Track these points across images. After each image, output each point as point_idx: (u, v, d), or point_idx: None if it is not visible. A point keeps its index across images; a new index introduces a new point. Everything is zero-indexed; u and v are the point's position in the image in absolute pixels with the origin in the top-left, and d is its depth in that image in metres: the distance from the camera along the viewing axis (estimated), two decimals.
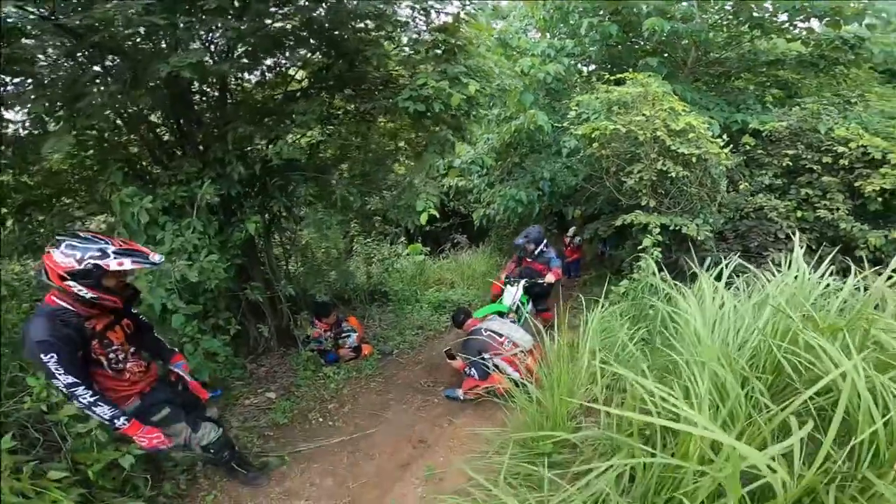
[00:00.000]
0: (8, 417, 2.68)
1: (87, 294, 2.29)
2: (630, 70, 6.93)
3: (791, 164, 5.80)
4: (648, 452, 1.90)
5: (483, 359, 4.10)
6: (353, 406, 4.43)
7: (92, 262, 2.24)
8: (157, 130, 4.57)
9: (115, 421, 2.39)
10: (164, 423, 2.66)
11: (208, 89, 4.67)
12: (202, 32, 3.77)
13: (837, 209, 5.30)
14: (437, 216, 4.65)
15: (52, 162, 4.23)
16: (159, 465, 3.18)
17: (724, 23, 7.15)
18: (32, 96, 3.23)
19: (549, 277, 5.32)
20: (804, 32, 6.92)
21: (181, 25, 3.33)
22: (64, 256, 2.23)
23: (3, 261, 4.25)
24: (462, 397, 4.28)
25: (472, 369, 4.14)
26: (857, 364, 1.55)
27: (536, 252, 5.44)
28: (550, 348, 3.46)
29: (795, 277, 2.90)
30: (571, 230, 8.33)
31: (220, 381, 4.35)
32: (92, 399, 2.32)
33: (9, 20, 2.96)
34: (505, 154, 7.99)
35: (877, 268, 2.82)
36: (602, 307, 3.88)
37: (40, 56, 3.30)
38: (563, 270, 8.40)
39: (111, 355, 2.50)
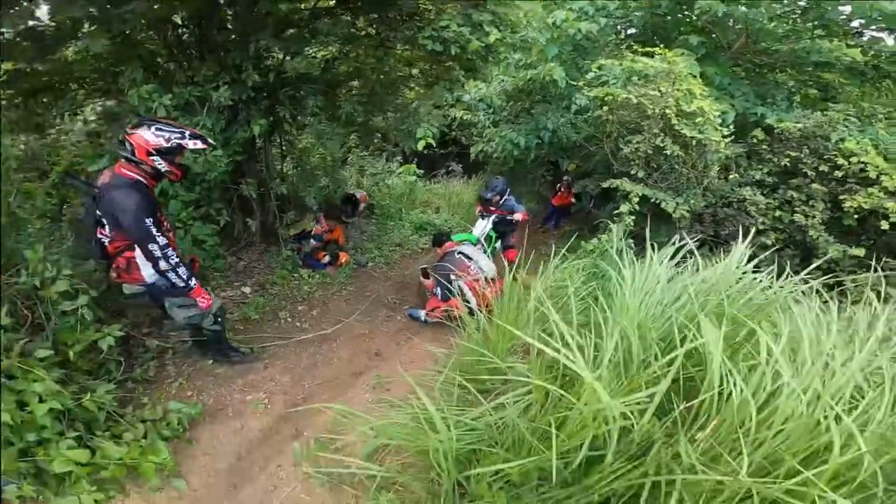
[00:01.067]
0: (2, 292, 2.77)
1: (165, 168, 2.79)
2: (670, 42, 6.87)
3: (789, 165, 5.93)
4: (553, 390, 2.26)
5: (450, 280, 4.40)
6: (322, 311, 4.70)
7: (177, 141, 2.75)
8: (179, 31, 4.56)
9: (190, 282, 2.93)
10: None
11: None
12: None
13: (814, 216, 5.53)
14: (434, 144, 4.80)
15: (67, 53, 4.24)
16: (131, 350, 3.43)
17: (792, 17, 6.88)
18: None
19: (517, 216, 5.65)
20: (866, 41, 6.78)
21: None
22: (154, 136, 2.71)
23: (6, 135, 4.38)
24: (423, 318, 4.58)
25: (437, 288, 4.45)
26: (716, 343, 1.92)
27: (501, 202, 5.69)
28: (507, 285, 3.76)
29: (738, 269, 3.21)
30: (567, 177, 8.49)
31: (200, 270, 4.50)
32: (177, 260, 2.83)
33: None
34: (516, 98, 7.95)
35: (825, 277, 3.21)
36: (566, 259, 4.11)
37: None
38: (549, 216, 8.68)
39: (165, 223, 2.92)
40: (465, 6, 4.34)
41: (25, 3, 3.24)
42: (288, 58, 4.42)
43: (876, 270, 3.94)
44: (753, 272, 3.23)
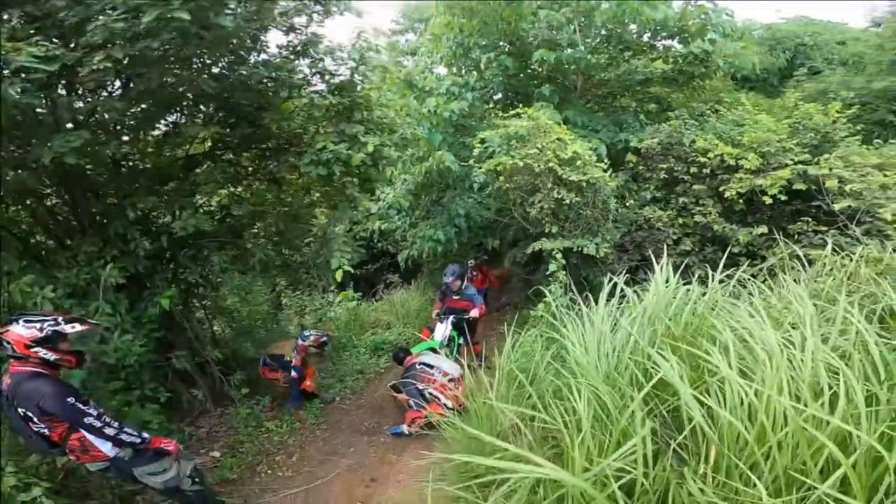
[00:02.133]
0: None
1: (51, 356, 2.74)
2: (530, 97, 7.55)
3: (667, 176, 6.49)
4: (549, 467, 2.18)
5: (419, 390, 4.42)
6: (301, 455, 4.52)
7: (51, 328, 2.74)
8: (48, 202, 4.41)
9: (143, 435, 2.92)
10: (158, 454, 3.06)
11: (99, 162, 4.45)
12: (85, 105, 3.77)
13: (710, 213, 6.01)
14: (352, 270, 4.82)
15: None
16: None
17: (602, 47, 7.91)
18: None
19: (474, 312, 5.68)
20: (663, 51, 7.81)
21: (59, 106, 3.37)
22: (26, 329, 2.70)
23: None
24: (406, 431, 4.52)
25: (412, 401, 4.43)
26: (680, 373, 1.92)
27: (462, 287, 5.76)
28: (471, 379, 3.73)
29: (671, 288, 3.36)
30: (469, 262, 8.62)
31: None
32: (118, 425, 2.82)
33: None
34: (422, 193, 8.27)
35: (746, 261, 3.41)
36: (522, 332, 4.19)
37: None
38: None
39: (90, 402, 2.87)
40: (336, 121, 4.54)
41: None
42: (176, 214, 4.33)
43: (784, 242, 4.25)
44: (685, 283, 3.37)
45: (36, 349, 2.71)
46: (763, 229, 5.61)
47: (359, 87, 4.85)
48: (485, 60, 7.57)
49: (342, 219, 5.07)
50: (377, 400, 5.71)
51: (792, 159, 5.83)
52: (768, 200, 5.61)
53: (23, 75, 2.89)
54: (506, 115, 6.26)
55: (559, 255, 5.43)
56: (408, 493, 3.48)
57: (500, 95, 8.89)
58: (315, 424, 5.13)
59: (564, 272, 5.28)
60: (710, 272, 3.31)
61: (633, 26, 7.36)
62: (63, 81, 3.46)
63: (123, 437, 2.83)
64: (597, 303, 3.50)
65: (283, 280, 8.17)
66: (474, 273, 8.54)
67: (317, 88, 4.83)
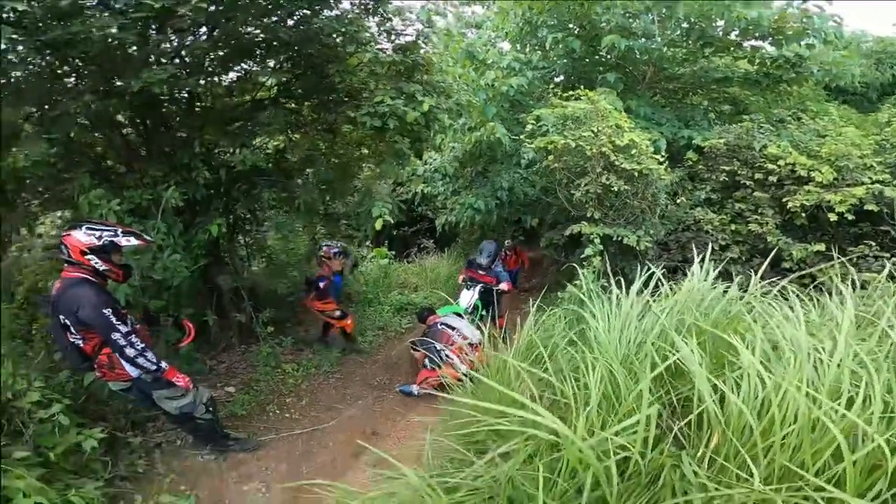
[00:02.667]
0: None
1: (102, 266, 2.86)
2: (593, 83, 7.25)
3: (728, 179, 6.22)
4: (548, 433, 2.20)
5: (437, 349, 4.48)
6: (311, 400, 4.67)
7: (109, 238, 2.85)
8: (124, 131, 4.66)
9: (160, 364, 2.98)
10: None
11: (178, 95, 4.76)
12: (173, 45, 3.94)
13: (767, 223, 5.74)
14: (392, 222, 4.89)
15: (16, 159, 4.33)
16: (117, 451, 3.38)
17: (681, 40, 7.50)
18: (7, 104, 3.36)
19: (503, 286, 5.72)
20: (750, 51, 7.29)
21: (150, 43, 3.55)
22: (86, 235, 2.82)
23: None
24: (416, 392, 4.56)
25: (427, 360, 4.51)
26: (692, 357, 1.90)
27: (490, 265, 5.77)
28: (489, 348, 3.76)
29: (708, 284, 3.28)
30: (507, 242, 8.61)
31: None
32: (142, 346, 2.90)
33: None
34: (468, 163, 8.25)
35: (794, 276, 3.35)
36: (547, 312, 4.18)
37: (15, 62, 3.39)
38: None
39: (129, 318, 3.01)
40: (396, 79, 4.61)
41: None
42: (237, 152, 4.52)
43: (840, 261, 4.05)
44: (724, 283, 3.29)
45: (90, 256, 2.83)
46: (820, 247, 5.37)
47: (422, 50, 4.91)
48: (551, 41, 7.35)
49: (388, 175, 5.13)
50: (393, 358, 5.85)
51: (870, 178, 5.50)
52: (833, 218, 5.32)
53: (122, 14, 3.12)
54: (565, 95, 6.08)
55: (597, 241, 5.34)
56: (405, 449, 3.58)
57: (561, 78, 8.63)
58: (329, 372, 5.31)
59: (600, 259, 5.18)
60: (753, 277, 3.19)
61: (720, 22, 6.90)
62: (156, 22, 3.62)
63: (140, 360, 2.90)
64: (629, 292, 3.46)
65: (322, 228, 8.35)
66: (508, 253, 8.54)
67: (381, 47, 4.89)
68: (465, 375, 3.86)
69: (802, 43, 6.63)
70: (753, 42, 7.22)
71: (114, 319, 2.79)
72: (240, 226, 5.72)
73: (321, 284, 5.41)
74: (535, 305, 3.94)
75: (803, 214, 5.67)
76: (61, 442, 2.85)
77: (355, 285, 8.08)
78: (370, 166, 6.39)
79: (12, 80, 3.41)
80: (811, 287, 4.02)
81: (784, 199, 5.76)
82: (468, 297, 5.69)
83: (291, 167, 5.62)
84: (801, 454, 1.74)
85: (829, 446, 1.73)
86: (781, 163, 5.84)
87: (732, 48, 7.37)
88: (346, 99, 4.93)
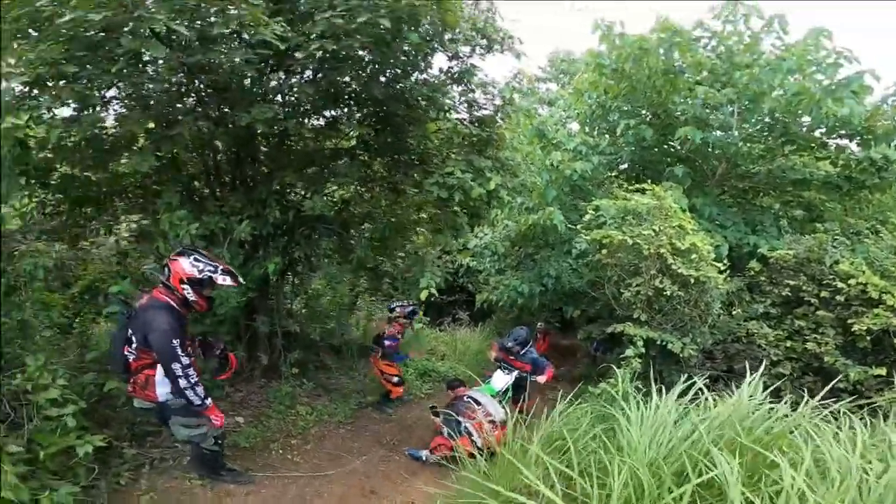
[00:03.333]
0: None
1: (192, 297, 3.01)
2: (659, 175, 7.19)
3: (790, 294, 5.92)
4: None
5: (458, 421, 4.34)
6: (316, 446, 4.55)
7: (209, 274, 2.99)
8: (218, 157, 5.03)
9: (206, 401, 3.05)
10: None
11: (272, 132, 5.14)
12: (280, 84, 4.40)
13: (827, 343, 5.40)
14: (436, 294, 4.93)
15: (119, 166, 4.64)
16: (108, 460, 3.37)
17: (760, 135, 7.30)
18: (132, 112, 3.76)
19: (542, 378, 5.50)
20: (834, 151, 7.00)
21: (264, 79, 3.96)
22: (191, 266, 2.98)
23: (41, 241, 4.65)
24: (425, 458, 4.44)
25: (445, 428, 4.37)
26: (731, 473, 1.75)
27: (522, 353, 5.64)
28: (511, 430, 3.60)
29: (752, 400, 3.08)
30: (539, 325, 8.43)
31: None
32: (196, 380, 2.98)
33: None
34: (519, 244, 8.29)
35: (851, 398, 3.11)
36: (572, 404, 4.07)
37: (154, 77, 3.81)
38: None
39: (190, 347, 3.13)
40: (469, 150, 4.83)
41: (97, 110, 3.64)
42: (308, 196, 4.77)
43: None
44: (770, 402, 3.09)
45: (185, 286, 2.97)
46: (881, 371, 5.02)
47: (498, 125, 5.13)
48: (622, 126, 7.39)
49: (440, 244, 5.23)
50: (408, 420, 5.69)
51: None
52: None
53: (252, 48, 3.50)
54: (630, 187, 6.05)
55: (640, 343, 5.13)
56: None
57: (626, 165, 8.59)
58: (342, 423, 5.20)
59: (639, 361, 4.96)
60: (806, 397, 2.98)
61: (806, 118, 6.70)
62: (275, 60, 4.04)
63: (189, 393, 2.96)
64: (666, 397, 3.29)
65: (366, 283, 8.48)
66: (539, 336, 8.34)
67: (459, 116, 5.18)
68: (480, 451, 3.70)
69: (893, 144, 6.34)
70: (839, 141, 6.96)
71: (179, 351, 2.89)
72: (292, 267, 5.92)
73: (387, 343, 5.61)
74: (565, 396, 3.81)
75: (868, 338, 5.32)
76: (56, 443, 2.84)
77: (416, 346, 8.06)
78: (423, 232, 6.56)
79: (144, 93, 3.81)
80: (864, 410, 3.71)
81: (850, 321, 5.43)
82: (503, 381, 5.48)
83: (352, 219, 5.81)
84: None
85: None
86: (853, 282, 5.53)
87: (815, 146, 7.11)
88: (417, 162, 5.18)
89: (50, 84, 3.15)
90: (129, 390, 3.15)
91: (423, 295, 4.76)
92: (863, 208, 7.84)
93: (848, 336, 5.50)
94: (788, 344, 5.62)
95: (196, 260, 2.99)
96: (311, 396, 5.57)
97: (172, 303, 2.99)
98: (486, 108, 5.14)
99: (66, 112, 3.48)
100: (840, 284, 5.62)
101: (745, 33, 7.01)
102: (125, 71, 3.35)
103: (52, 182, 4.18)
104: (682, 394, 3.46)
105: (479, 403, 4.60)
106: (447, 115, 4.88)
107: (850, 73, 6.33)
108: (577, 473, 2.56)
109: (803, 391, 3.42)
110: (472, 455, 3.70)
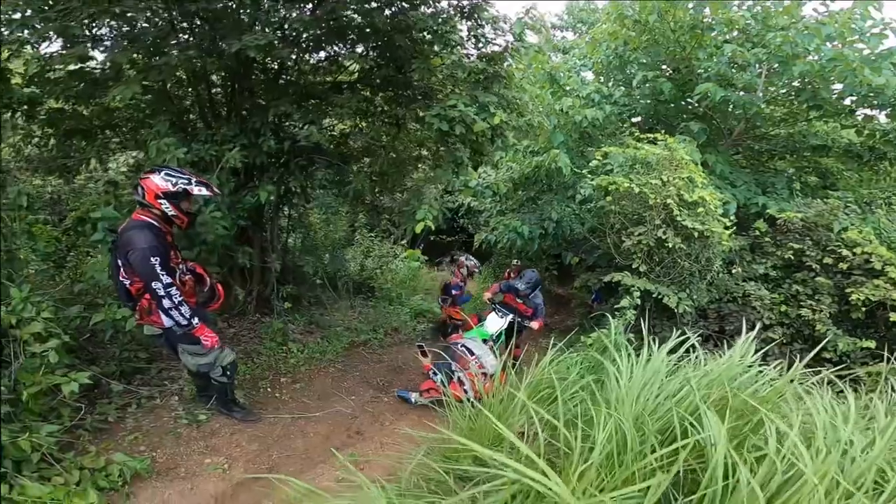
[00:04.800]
0: None
1: (172, 212, 2.95)
2: (673, 130, 6.98)
3: (793, 258, 5.84)
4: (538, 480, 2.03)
5: (450, 368, 4.31)
6: (305, 385, 4.53)
7: (183, 186, 2.92)
8: (213, 91, 4.84)
9: (192, 320, 3.01)
10: None
11: (269, 64, 4.96)
12: (278, 16, 4.14)
13: (821, 310, 5.38)
14: (433, 228, 4.80)
15: (110, 100, 4.54)
16: (94, 398, 3.35)
17: (785, 98, 7.10)
18: (120, 47, 3.57)
19: (534, 325, 5.47)
20: (861, 121, 6.78)
21: (261, 9, 3.75)
22: (163, 180, 2.90)
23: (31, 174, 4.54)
24: (414, 401, 4.42)
25: (438, 374, 4.30)
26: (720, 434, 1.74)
27: (530, 296, 5.57)
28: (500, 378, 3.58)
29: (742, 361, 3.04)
30: (514, 262, 8.40)
31: None
32: (180, 299, 2.93)
33: None
34: (522, 186, 8.12)
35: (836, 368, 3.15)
36: (563, 353, 3.98)
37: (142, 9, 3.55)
38: None
39: (181, 266, 3.14)
40: (473, 86, 4.61)
41: (83, 44, 3.47)
42: (305, 127, 4.60)
43: (889, 361, 3.76)
44: (760, 365, 3.05)
45: (162, 201, 2.91)
46: (870, 344, 5.01)
47: (507, 63, 4.90)
48: (639, 78, 7.13)
49: (441, 181, 5.08)
50: (399, 361, 5.70)
51: None
52: (894, 318, 4.94)
53: None
54: (642, 136, 5.85)
55: (637, 294, 5.06)
56: (385, 457, 3.38)
57: (639, 118, 8.33)
58: (332, 361, 5.18)
59: (634, 312, 4.91)
60: (796, 363, 2.93)
61: (837, 85, 6.41)
62: None
63: (174, 313, 2.93)
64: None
65: (363, 218, 8.39)
66: (511, 272, 8.30)
67: (466, 51, 4.92)
68: (469, 401, 3.69)
69: None
70: (867, 111, 6.72)
71: (159, 269, 2.82)
72: (287, 198, 5.78)
73: (454, 292, 5.79)
74: (557, 345, 3.76)
75: (863, 308, 5.30)
76: (40, 381, 2.74)
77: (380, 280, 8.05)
78: (425, 168, 6.36)
79: (135, 27, 3.61)
80: (845, 381, 3.73)
81: (848, 290, 5.37)
82: (498, 325, 5.44)
83: (350, 153, 5.68)
84: None
85: None
86: (858, 250, 5.44)
87: (843, 114, 6.86)
88: (419, 97, 4.96)
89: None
90: (136, 319, 3.11)
91: (419, 228, 4.61)
92: (880, 180, 7.67)
93: (843, 305, 5.47)
94: (783, 308, 5.58)
95: (168, 175, 2.92)
96: (304, 333, 5.60)
97: (152, 220, 2.92)
98: (495, 45, 4.87)
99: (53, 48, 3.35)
100: (845, 252, 5.52)
101: None
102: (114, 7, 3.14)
103: (40, 116, 4.08)
104: (673, 350, 3.42)
105: (472, 353, 4.53)
106: (452, 50, 4.60)
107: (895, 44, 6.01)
108: (563, 424, 2.50)
109: (791, 357, 3.37)
110: (459, 400, 3.70)
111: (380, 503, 2.06)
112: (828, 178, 7.68)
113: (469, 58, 4.88)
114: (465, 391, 4.08)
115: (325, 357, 5.20)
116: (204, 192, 3.00)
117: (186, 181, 2.94)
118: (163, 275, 2.84)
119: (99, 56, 3.79)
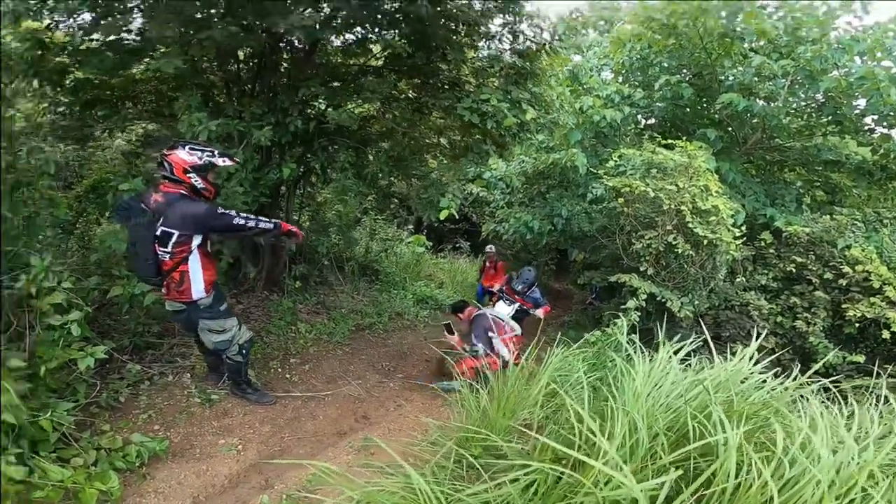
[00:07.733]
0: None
1: (200, 184, 3.03)
2: (689, 135, 7.03)
3: (794, 271, 5.99)
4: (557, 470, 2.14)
5: (489, 336, 4.40)
6: (314, 367, 4.57)
7: (208, 158, 3.02)
8: (240, 67, 4.84)
9: (274, 221, 3.29)
10: (228, 311, 3.32)
11: (300, 44, 4.90)
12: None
13: (815, 324, 5.54)
14: (456, 216, 4.92)
15: (140, 72, 4.48)
16: (106, 375, 3.36)
17: (807, 112, 7.15)
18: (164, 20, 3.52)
19: (540, 312, 5.65)
20: (878, 139, 6.83)
21: None
22: (189, 154, 2.98)
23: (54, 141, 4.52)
24: (458, 388, 3.86)
25: (478, 344, 4.35)
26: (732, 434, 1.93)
27: (527, 293, 5.71)
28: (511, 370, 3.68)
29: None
30: (489, 248, 8.38)
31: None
32: (255, 217, 3.16)
33: None
34: (533, 181, 8.19)
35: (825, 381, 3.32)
36: (568, 348, 4.08)
37: None
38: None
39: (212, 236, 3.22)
40: (506, 81, 4.65)
41: (121, 15, 3.46)
42: (330, 109, 4.62)
43: (878, 376, 3.90)
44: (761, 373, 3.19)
45: (191, 174, 2.99)
46: (859, 359, 5.21)
47: (543, 59, 4.92)
48: (661, 82, 7.14)
49: (464, 171, 5.13)
50: (403, 346, 5.75)
51: None
52: (886, 335, 5.12)
53: None
54: (663, 141, 5.92)
55: (643, 296, 5.19)
56: (392, 442, 3.42)
57: (654, 121, 8.42)
58: (339, 344, 5.22)
59: (638, 313, 5.05)
60: (795, 372, 3.09)
61: (861, 102, 6.49)
62: None
63: (262, 224, 3.16)
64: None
65: (372, 200, 8.39)
66: (488, 264, 8.38)
67: (502, 47, 4.95)
68: (504, 370, 3.73)
69: None
70: (885, 130, 6.82)
71: (226, 211, 3.06)
72: (306, 177, 5.83)
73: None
74: (553, 340, 3.87)
75: (856, 325, 5.47)
76: (58, 356, 2.62)
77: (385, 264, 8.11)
78: (436, 156, 6.40)
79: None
80: (831, 392, 3.88)
81: (844, 306, 5.54)
82: (507, 311, 5.57)
83: (370, 136, 5.69)
84: None
85: None
86: (859, 268, 5.60)
87: (863, 131, 6.94)
88: (446, 87, 4.97)
89: None
90: (163, 293, 3.16)
91: (444, 215, 4.77)
92: (889, 199, 7.79)
93: (837, 320, 5.64)
94: (779, 319, 5.76)
95: (192, 149, 3.01)
96: (311, 313, 5.63)
97: (185, 192, 3.02)
98: (532, 41, 4.85)
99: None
100: (846, 269, 5.67)
101: (821, 7, 6.44)
102: None
103: (66, 86, 4.07)
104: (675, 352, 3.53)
105: (503, 320, 4.72)
106: (486, 43, 4.64)
107: None
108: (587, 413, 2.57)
109: (782, 366, 3.53)
110: (505, 366, 3.75)
111: (422, 486, 2.10)
112: (836, 194, 7.73)
113: (503, 52, 4.90)
114: (505, 355, 4.22)
115: (333, 339, 5.23)
116: (228, 162, 3.15)
117: (210, 153, 3.05)
118: (230, 212, 3.07)
119: (134, 28, 3.77)
